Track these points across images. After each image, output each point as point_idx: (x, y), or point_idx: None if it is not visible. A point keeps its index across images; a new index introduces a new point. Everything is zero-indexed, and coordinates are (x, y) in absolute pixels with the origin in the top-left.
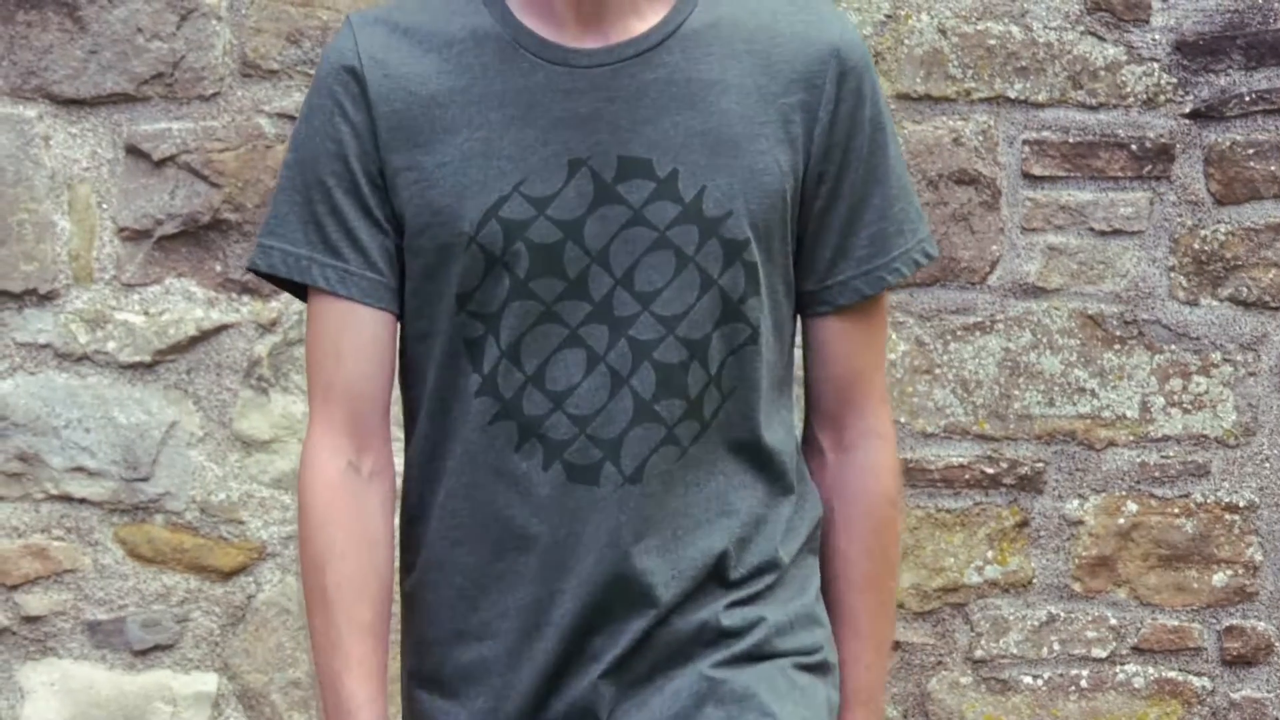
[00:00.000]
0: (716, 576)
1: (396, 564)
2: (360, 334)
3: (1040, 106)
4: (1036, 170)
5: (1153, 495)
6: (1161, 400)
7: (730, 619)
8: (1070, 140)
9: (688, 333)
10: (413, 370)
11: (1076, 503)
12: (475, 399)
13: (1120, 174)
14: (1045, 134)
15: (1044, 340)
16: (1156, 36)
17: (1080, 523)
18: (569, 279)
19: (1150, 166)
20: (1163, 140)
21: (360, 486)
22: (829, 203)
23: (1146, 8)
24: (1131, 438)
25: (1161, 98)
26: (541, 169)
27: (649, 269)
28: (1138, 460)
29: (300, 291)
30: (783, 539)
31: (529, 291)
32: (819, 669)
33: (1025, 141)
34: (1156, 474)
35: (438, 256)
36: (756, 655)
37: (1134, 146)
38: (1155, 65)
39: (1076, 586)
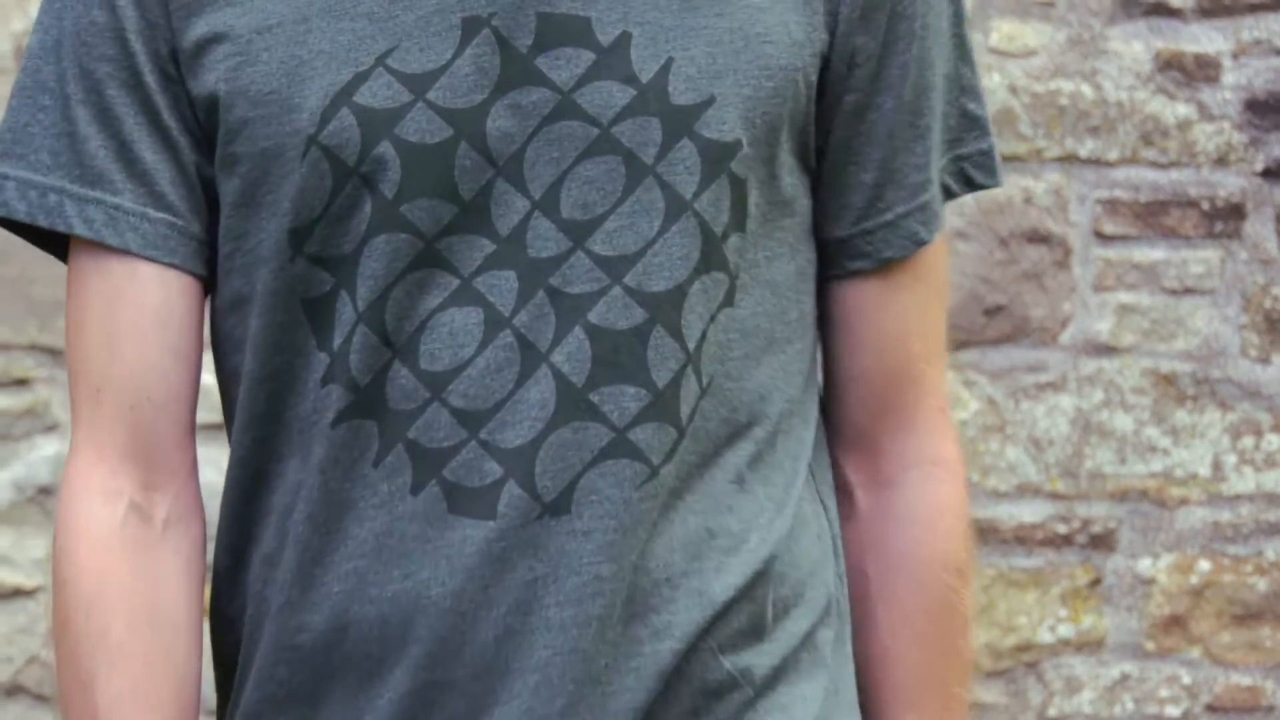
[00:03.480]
0: (694, 678)
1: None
2: (142, 306)
3: (1111, 165)
4: (1108, 229)
5: (1225, 554)
6: (1234, 458)
7: None
8: (1142, 199)
9: (643, 283)
10: (227, 357)
11: (1149, 561)
12: (320, 389)
13: (1192, 233)
14: (1117, 193)
15: (1116, 399)
16: (1228, 95)
17: (1153, 581)
18: (461, 200)
19: (1222, 225)
20: (1234, 199)
21: (150, 542)
22: (869, 97)
23: (1217, 66)
24: (1204, 496)
25: (1233, 156)
26: (420, 32)
27: (584, 185)
28: (1210, 519)
29: (58, 243)
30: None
31: (400, 220)
32: None
33: (1097, 200)
34: (1229, 532)
35: (260, 171)
36: None
37: (1205, 205)
38: (1226, 124)
39: (1150, 645)
